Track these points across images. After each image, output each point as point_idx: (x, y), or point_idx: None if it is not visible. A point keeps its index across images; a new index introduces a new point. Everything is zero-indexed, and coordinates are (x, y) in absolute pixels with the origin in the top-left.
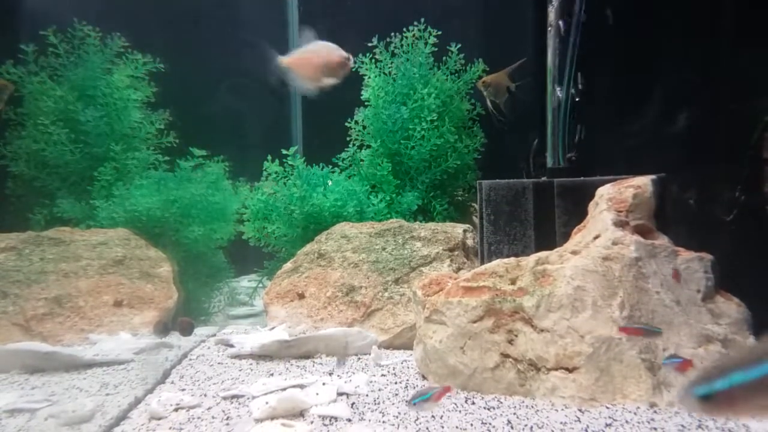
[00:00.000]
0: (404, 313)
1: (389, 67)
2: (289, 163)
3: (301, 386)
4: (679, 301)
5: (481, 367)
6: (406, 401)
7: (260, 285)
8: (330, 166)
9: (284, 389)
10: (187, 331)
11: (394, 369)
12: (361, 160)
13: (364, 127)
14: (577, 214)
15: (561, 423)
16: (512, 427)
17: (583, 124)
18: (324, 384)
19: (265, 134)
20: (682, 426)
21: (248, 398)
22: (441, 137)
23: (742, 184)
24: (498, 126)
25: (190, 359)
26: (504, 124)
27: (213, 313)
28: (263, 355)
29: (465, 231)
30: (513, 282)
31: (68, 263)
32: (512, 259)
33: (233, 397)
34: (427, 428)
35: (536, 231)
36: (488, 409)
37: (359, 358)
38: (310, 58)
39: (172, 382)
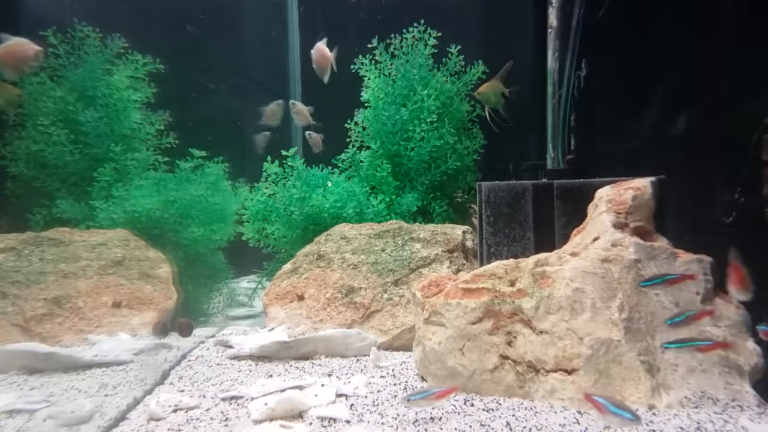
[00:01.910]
0: (403, 315)
1: (389, 69)
2: (289, 164)
3: (300, 387)
4: (679, 303)
5: (480, 368)
6: (403, 397)
7: (259, 286)
8: (330, 168)
9: (283, 390)
10: (186, 332)
11: (393, 370)
12: (361, 162)
13: (364, 129)
14: (577, 215)
15: (560, 425)
16: (511, 429)
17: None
18: (323, 385)
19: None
20: (681, 428)
21: (247, 399)
22: (441, 138)
23: (741, 185)
24: (502, 131)
25: (189, 360)
26: (507, 127)
27: (212, 314)
28: (262, 357)
29: (464, 232)
30: (512, 284)
31: (67, 264)
32: (511, 261)
33: (232, 398)
34: (426, 430)
35: (535, 233)
36: (487, 411)
37: (358, 360)
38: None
39: (171, 383)
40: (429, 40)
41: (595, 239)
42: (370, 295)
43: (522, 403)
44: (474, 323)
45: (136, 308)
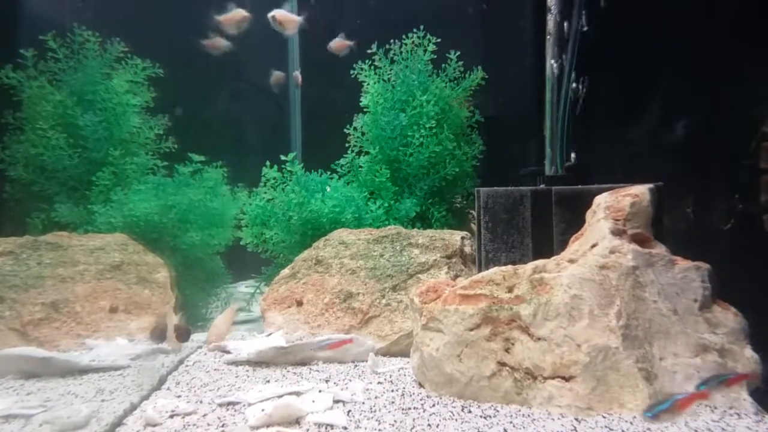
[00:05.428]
0: (401, 321)
1: (388, 74)
2: (288, 169)
3: (298, 393)
4: (676, 310)
5: (478, 375)
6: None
7: (258, 291)
8: (329, 173)
9: (280, 396)
10: (183, 337)
11: (390, 376)
12: (360, 167)
13: (363, 134)
14: (575, 222)
15: None
16: None
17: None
18: (320, 391)
19: (264, 140)
20: None
21: (244, 405)
22: (440, 144)
23: (739, 193)
24: (501, 137)
25: (187, 365)
26: (506, 133)
27: (210, 319)
28: (260, 362)
29: (463, 238)
30: (510, 290)
31: (65, 268)
32: (509, 267)
33: (229, 403)
34: None
35: (534, 239)
36: (485, 418)
37: (356, 366)
38: None
39: (168, 389)
40: (428, 45)
41: (593, 246)
42: (368, 301)
43: (520, 410)
44: (472, 329)
45: (133, 313)
